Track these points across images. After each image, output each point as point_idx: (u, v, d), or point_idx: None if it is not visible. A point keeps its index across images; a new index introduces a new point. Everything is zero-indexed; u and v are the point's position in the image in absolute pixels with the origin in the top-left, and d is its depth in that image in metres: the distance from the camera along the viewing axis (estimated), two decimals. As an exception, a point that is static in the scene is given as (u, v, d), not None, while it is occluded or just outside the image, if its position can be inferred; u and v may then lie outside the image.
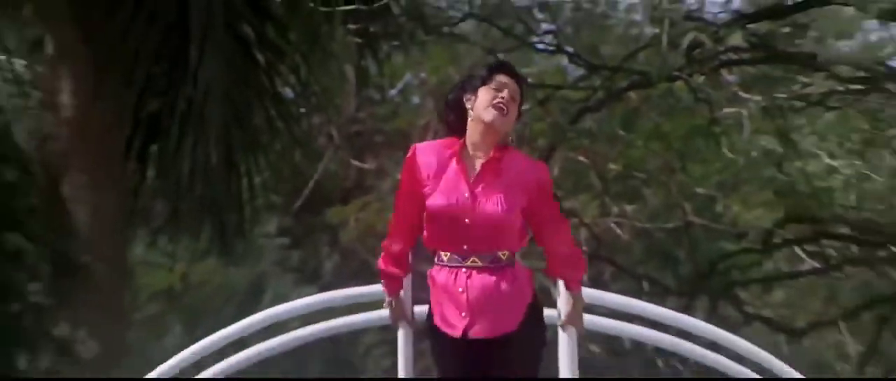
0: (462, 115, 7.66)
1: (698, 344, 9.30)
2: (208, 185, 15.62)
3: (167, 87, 15.56)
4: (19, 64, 15.89)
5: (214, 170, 15.56)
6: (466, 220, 7.63)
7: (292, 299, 9.88)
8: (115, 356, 14.96)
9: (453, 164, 7.70)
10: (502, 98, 7.57)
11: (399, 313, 7.93)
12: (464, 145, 7.69)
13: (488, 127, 7.57)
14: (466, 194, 7.63)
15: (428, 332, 7.87)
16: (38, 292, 15.45)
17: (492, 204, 7.66)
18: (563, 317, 7.99)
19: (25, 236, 15.41)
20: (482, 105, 7.58)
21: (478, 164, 7.69)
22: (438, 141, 7.80)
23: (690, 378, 20.00)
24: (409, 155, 7.73)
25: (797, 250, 21.97)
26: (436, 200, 7.67)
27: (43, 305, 15.47)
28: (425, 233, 7.76)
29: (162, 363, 8.81)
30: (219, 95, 15.29)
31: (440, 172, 7.71)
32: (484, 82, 7.59)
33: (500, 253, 7.69)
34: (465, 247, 7.66)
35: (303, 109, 18.00)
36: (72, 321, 15.37)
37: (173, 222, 16.65)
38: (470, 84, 7.69)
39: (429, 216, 7.72)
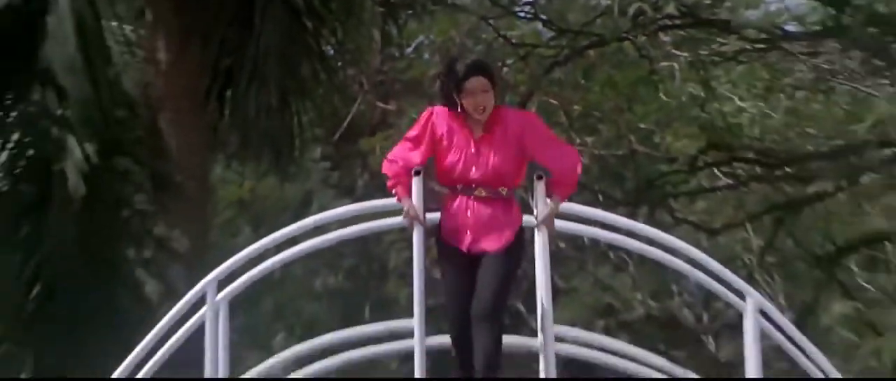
0: (455, 103, 7.81)
1: (640, 241, 9.30)
2: (268, 122, 15.63)
3: (237, 47, 15.55)
4: (127, 29, 15.86)
5: (273, 110, 15.56)
6: (473, 169, 7.80)
7: (332, 208, 9.92)
8: (200, 250, 15.00)
9: (461, 130, 7.86)
10: (479, 102, 7.76)
11: (414, 216, 7.90)
12: (467, 116, 7.83)
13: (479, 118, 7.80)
14: (473, 151, 7.80)
15: (436, 242, 7.99)
16: (143, 202, 15.45)
17: (492, 159, 7.82)
18: (539, 218, 7.98)
19: (133, 159, 15.41)
20: (469, 108, 7.78)
21: (479, 129, 7.85)
22: (448, 108, 7.91)
23: None
24: (427, 115, 7.96)
25: (715, 170, 21.99)
26: (450, 157, 7.85)
27: (146, 211, 15.47)
28: (441, 178, 7.94)
29: (235, 254, 8.82)
30: (276, 54, 15.29)
31: (451, 134, 7.87)
32: (460, 89, 7.75)
33: (500, 189, 7.83)
34: (473, 185, 7.80)
35: (340, 63, 17.98)
36: (168, 223, 15.39)
37: (243, 149, 16.68)
38: (453, 80, 7.82)
39: (444, 169, 7.89)
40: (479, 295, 7.72)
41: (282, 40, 15.42)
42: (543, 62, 21.72)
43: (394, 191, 7.98)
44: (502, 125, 7.86)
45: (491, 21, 22.69)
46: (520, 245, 7.88)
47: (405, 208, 7.93)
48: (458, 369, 8.00)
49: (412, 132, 7.98)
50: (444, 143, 7.85)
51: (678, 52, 21.02)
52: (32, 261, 14.68)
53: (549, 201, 7.89)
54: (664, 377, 9.15)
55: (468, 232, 7.81)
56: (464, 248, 7.80)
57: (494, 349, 7.77)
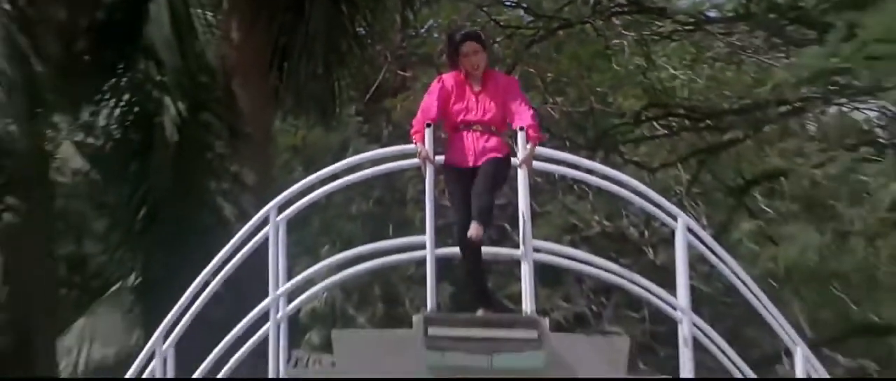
0: (457, 66, 8.14)
1: (597, 176, 9.32)
2: (315, 86, 15.64)
3: (292, 29, 15.51)
4: (209, 14, 15.84)
5: (319, 77, 15.56)
6: (473, 112, 8.09)
7: (364, 153, 9.95)
8: (264, 183, 14.99)
9: (463, 85, 8.14)
10: (473, 62, 8.09)
11: (425, 156, 8.03)
12: (467, 74, 8.12)
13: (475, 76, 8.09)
14: (473, 99, 8.09)
15: (443, 169, 8.20)
16: (221, 147, 15.44)
17: (487, 105, 8.11)
18: (520, 160, 8.09)
19: (213, 114, 15.41)
20: (466, 67, 8.10)
21: (477, 84, 8.14)
22: (452, 73, 8.21)
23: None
24: (436, 81, 8.27)
25: (654, 123, 21.96)
26: (456, 105, 8.13)
27: (224, 154, 15.47)
28: (447, 122, 8.19)
29: (290, 186, 8.85)
30: (321, 34, 15.25)
31: (456, 88, 8.16)
32: (459, 52, 8.10)
33: (491, 127, 8.08)
34: (472, 124, 8.08)
35: (369, 41, 17.93)
36: (240, 163, 15.41)
37: (296, 107, 16.69)
38: (453, 48, 8.16)
39: (450, 113, 8.13)
40: (478, 181, 7.96)
41: (325, 23, 15.39)
42: (524, 40, 21.65)
43: (413, 138, 8.13)
44: (494, 82, 8.15)
45: (484, 8, 22.62)
46: (507, 162, 8.11)
47: (419, 150, 8.05)
48: (461, 262, 8.19)
49: (429, 98, 8.16)
50: (452, 96, 8.07)
51: (626, 32, 20.97)
52: (139, 191, 14.76)
53: (527, 146, 8.02)
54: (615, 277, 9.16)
55: (469, 154, 8.02)
56: (466, 165, 8.00)
57: (488, 208, 7.99)
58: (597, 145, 20.85)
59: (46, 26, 14.63)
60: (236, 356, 8.46)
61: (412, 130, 8.17)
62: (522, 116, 8.10)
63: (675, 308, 8.52)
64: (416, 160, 8.27)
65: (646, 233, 21.61)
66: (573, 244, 18.20)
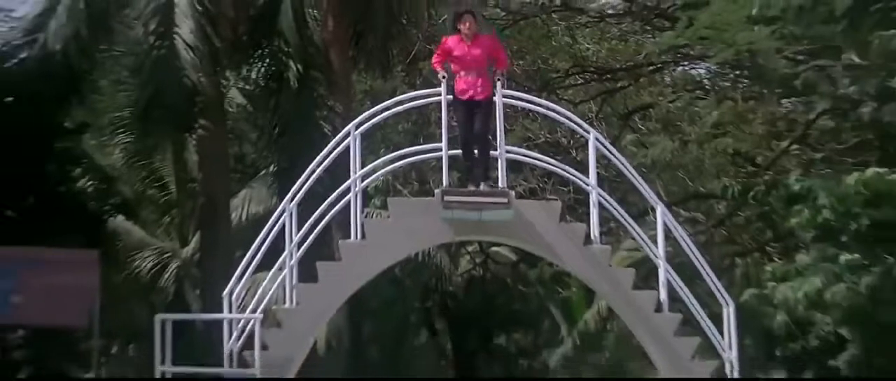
0: (458, 31, 7.93)
1: (542, 108, 9.20)
2: (378, 54, 15.46)
3: (364, 20, 15.19)
4: (315, 12, 15.58)
5: (379, 49, 15.37)
6: (468, 60, 7.88)
7: (408, 92, 9.78)
8: (347, 112, 14.64)
9: (461, 42, 7.91)
10: (466, 30, 7.88)
11: (443, 74, 7.94)
12: (462, 35, 7.88)
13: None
14: (466, 50, 7.83)
15: (453, 101, 7.99)
16: (322, 88, 15.24)
17: (477, 54, 7.88)
18: (497, 90, 8.00)
19: (317, 71, 15.21)
20: (463, 31, 7.90)
21: (468, 40, 7.90)
22: (453, 36, 8.00)
23: None
24: (443, 42, 8.14)
25: (577, 77, 21.49)
26: (457, 53, 7.88)
27: (324, 94, 15.27)
28: (453, 67, 7.94)
29: (363, 113, 8.72)
30: (381, 24, 15.04)
31: (456, 45, 7.93)
32: (457, 23, 7.92)
33: (480, 69, 7.89)
34: (469, 69, 7.84)
35: (409, 27, 17.56)
36: (333, 100, 15.31)
37: (366, 67, 16.46)
38: (456, 18, 8.01)
39: (455, 61, 7.90)
40: (477, 124, 7.84)
41: (383, 17, 15.10)
42: (498, 26, 21.08)
43: (437, 66, 8.00)
44: (481, 40, 7.96)
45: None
46: (493, 96, 7.94)
47: (440, 72, 7.97)
48: (463, 170, 8.17)
49: (438, 52, 8.05)
50: (454, 50, 7.87)
51: (560, 22, 20.50)
52: (275, 116, 14.82)
53: (499, 79, 8.04)
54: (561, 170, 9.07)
55: (468, 91, 7.84)
56: (466, 98, 7.82)
57: (487, 153, 7.96)
58: (542, 89, 20.44)
59: (222, 18, 14.48)
60: (332, 211, 8.42)
61: (434, 62, 8.13)
62: (500, 59, 8.05)
63: (587, 184, 8.50)
64: (437, 98, 8.18)
65: (571, 141, 21.32)
66: (528, 148, 18.01)
